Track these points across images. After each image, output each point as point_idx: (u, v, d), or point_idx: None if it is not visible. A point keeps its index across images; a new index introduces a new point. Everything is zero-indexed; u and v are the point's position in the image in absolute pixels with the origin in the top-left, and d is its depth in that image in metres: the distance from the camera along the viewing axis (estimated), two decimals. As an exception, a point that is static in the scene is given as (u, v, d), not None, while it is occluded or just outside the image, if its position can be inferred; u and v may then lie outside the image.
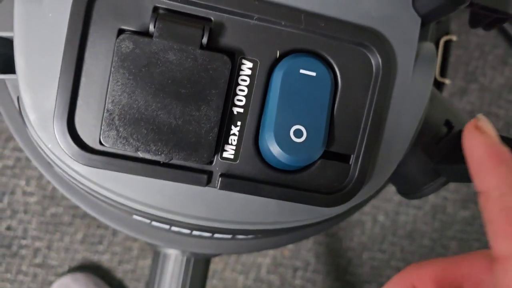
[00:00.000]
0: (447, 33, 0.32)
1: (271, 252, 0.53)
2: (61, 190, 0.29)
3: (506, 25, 0.46)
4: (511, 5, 0.22)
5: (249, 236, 0.27)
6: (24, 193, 0.45)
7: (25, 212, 0.46)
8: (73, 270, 0.55)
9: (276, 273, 0.57)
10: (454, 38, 0.33)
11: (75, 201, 0.29)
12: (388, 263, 0.63)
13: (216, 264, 0.57)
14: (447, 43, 0.33)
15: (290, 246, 0.53)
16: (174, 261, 0.32)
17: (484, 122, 0.17)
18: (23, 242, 0.47)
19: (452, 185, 0.58)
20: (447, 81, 0.32)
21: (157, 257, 0.33)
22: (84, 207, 0.29)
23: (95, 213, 0.29)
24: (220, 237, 0.26)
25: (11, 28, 0.25)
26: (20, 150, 0.42)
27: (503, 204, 0.16)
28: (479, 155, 0.17)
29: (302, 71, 0.21)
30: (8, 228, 0.46)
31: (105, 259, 0.51)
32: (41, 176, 0.45)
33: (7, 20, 0.26)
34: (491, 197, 0.16)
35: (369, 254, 0.63)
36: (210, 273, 0.50)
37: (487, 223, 0.16)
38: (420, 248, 0.59)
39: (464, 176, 0.23)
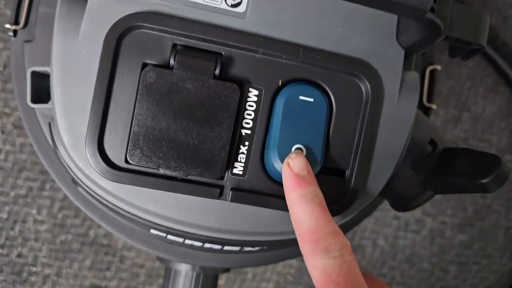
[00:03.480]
0: (431, 63, 0.36)
1: (274, 277, 0.54)
2: (83, 209, 0.32)
3: (494, 55, 0.48)
4: (483, 37, 0.26)
5: (256, 249, 0.29)
6: (35, 221, 0.46)
7: (36, 239, 0.47)
8: (81, 296, 0.56)
9: (280, 298, 0.58)
10: (438, 67, 0.36)
11: (95, 218, 0.32)
12: (389, 288, 0.63)
13: (221, 290, 0.58)
14: (433, 72, 0.36)
15: (293, 271, 0.54)
16: (184, 277, 0.33)
17: (292, 159, 0.22)
18: (33, 269, 0.48)
19: (449, 210, 0.59)
20: (434, 106, 0.36)
21: (168, 273, 0.34)
22: (105, 225, 0.32)
23: (114, 230, 0.32)
24: (229, 250, 0.29)
25: (42, 63, 0.28)
26: (32, 180, 0.44)
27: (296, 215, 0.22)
28: (285, 184, 0.22)
29: (301, 97, 0.24)
30: (19, 255, 0.47)
31: (112, 286, 0.51)
32: (52, 205, 0.46)
33: (39, 56, 0.29)
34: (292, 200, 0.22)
35: (370, 278, 0.64)
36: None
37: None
38: (419, 272, 0.59)
39: (448, 187, 0.26)
